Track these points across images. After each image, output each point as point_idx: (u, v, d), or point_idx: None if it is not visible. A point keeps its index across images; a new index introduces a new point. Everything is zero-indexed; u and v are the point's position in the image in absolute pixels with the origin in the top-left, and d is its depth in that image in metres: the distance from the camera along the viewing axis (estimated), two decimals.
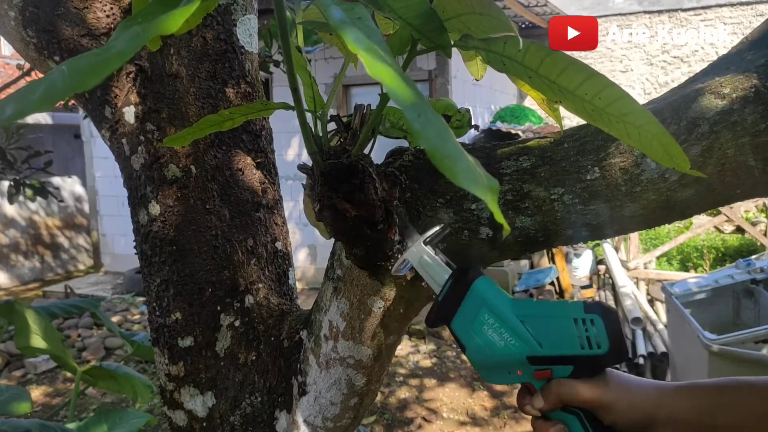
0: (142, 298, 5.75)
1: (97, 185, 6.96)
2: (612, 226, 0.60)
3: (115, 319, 5.31)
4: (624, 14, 7.77)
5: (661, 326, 4.19)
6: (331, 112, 0.65)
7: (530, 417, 0.60)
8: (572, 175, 0.59)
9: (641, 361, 3.83)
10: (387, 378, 3.85)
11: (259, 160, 0.93)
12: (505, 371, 0.58)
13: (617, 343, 0.55)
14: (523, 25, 7.02)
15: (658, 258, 5.76)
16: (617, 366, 0.58)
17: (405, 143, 0.69)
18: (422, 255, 0.58)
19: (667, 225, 0.86)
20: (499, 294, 0.58)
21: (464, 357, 4.19)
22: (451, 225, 0.62)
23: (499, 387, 3.73)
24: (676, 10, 7.58)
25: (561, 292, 5.60)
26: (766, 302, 3.39)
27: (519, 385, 0.61)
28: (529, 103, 7.37)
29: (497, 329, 0.56)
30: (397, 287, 0.65)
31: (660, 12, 7.66)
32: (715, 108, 0.55)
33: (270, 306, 0.87)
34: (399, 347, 0.72)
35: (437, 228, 0.59)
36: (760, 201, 5.95)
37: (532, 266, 5.80)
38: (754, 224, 5.69)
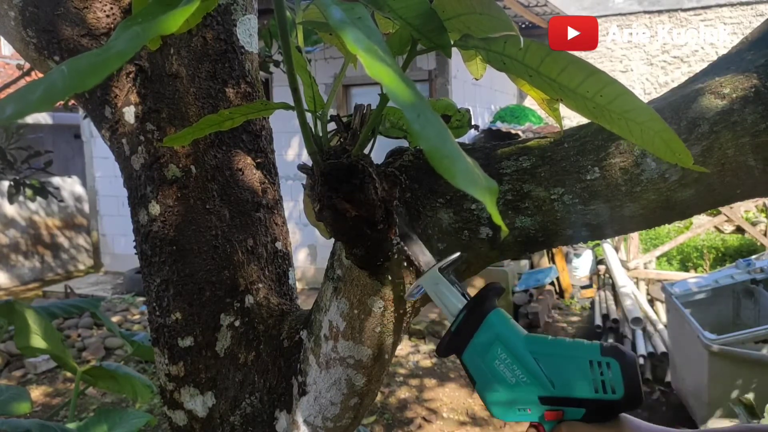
0: (142, 298, 5.75)
1: (97, 185, 6.96)
2: (612, 226, 0.60)
3: (115, 319, 5.31)
4: (624, 14, 7.77)
5: (661, 326, 4.19)
6: (331, 112, 0.65)
7: None
8: (572, 175, 0.59)
9: (641, 361, 3.83)
10: (387, 378, 3.85)
11: (259, 160, 0.93)
12: (514, 408, 0.56)
13: (633, 390, 0.53)
14: (523, 25, 7.01)
15: (658, 258, 5.76)
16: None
17: (405, 143, 0.69)
18: (437, 283, 0.58)
19: (667, 225, 0.86)
20: (514, 329, 0.57)
21: None
22: (451, 225, 0.62)
23: None
24: (676, 10, 7.58)
25: (561, 292, 5.60)
26: (766, 302, 3.39)
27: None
28: (529, 103, 7.37)
29: (509, 365, 0.55)
30: (397, 287, 0.65)
31: (660, 12, 7.66)
32: (715, 108, 0.55)
33: (270, 306, 0.87)
34: (399, 347, 0.72)
35: (454, 256, 0.59)
36: (760, 201, 5.95)
37: (532, 266, 5.80)
38: (754, 224, 5.69)
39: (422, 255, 0.59)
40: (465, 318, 0.57)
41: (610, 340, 4.18)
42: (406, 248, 0.60)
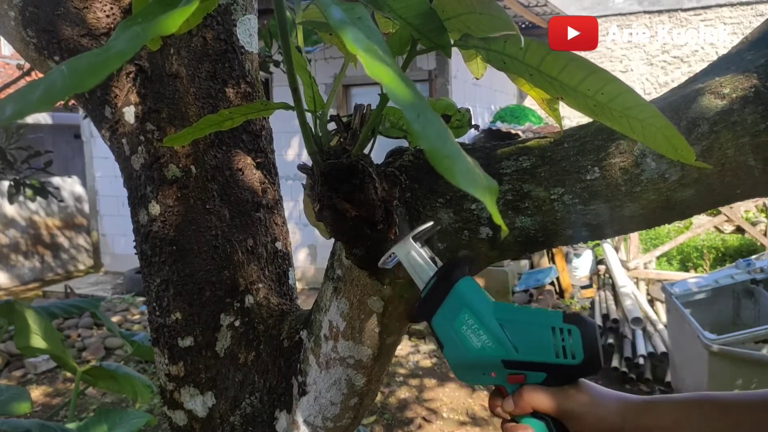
0: (142, 298, 5.75)
1: (97, 185, 6.96)
2: (612, 226, 0.60)
3: (115, 319, 5.31)
4: (624, 14, 7.77)
5: (661, 326, 4.19)
6: (331, 112, 0.65)
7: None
8: (572, 175, 0.59)
9: (641, 361, 3.83)
10: (387, 378, 3.85)
11: (259, 160, 0.93)
12: (479, 372, 0.59)
13: (592, 356, 0.56)
14: (523, 25, 7.01)
15: (658, 258, 5.76)
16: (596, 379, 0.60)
17: (405, 143, 0.69)
18: (410, 251, 0.59)
19: (667, 225, 0.86)
20: (481, 296, 0.58)
21: None
22: (451, 225, 0.62)
23: None
24: (676, 10, 7.58)
25: (561, 292, 5.60)
26: (766, 302, 3.39)
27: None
28: (529, 103, 7.37)
29: (476, 330, 0.57)
30: (397, 287, 0.65)
31: (660, 12, 7.66)
32: (715, 108, 0.55)
33: (270, 306, 0.87)
34: (399, 347, 0.73)
35: (427, 225, 0.60)
36: (760, 201, 5.95)
37: (532, 266, 5.80)
38: (754, 224, 5.69)
39: (400, 226, 0.60)
40: (435, 285, 0.58)
41: (610, 341, 4.20)
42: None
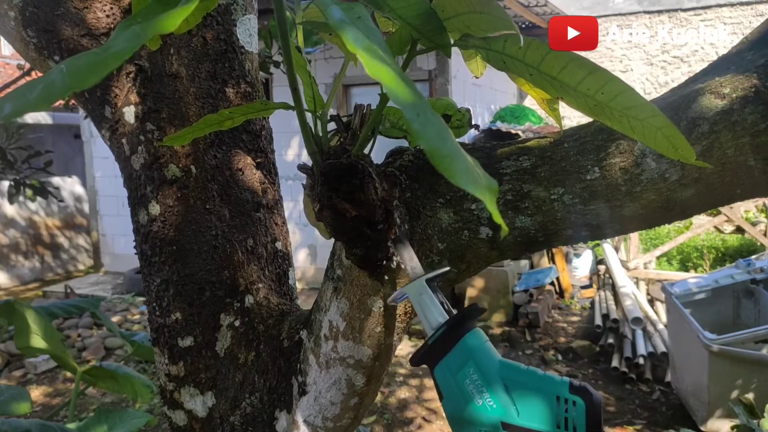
0: (142, 298, 5.75)
1: (97, 185, 6.96)
2: (612, 226, 0.60)
3: (115, 319, 5.31)
4: (624, 14, 7.77)
5: (661, 326, 4.19)
6: (331, 112, 0.65)
7: None
8: (572, 175, 0.59)
9: (641, 361, 3.83)
10: (387, 378, 3.85)
11: (259, 160, 0.93)
12: (477, 429, 0.57)
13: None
14: (523, 25, 7.01)
15: (658, 258, 5.76)
16: None
17: (405, 143, 0.69)
18: (422, 293, 0.58)
19: (667, 225, 0.86)
20: (489, 352, 0.57)
21: None
22: (451, 225, 0.62)
23: None
24: (676, 10, 7.58)
25: (561, 292, 5.60)
26: (766, 302, 3.39)
27: None
28: (529, 103, 7.37)
29: (479, 387, 0.55)
30: (398, 287, 0.65)
31: (660, 12, 7.66)
32: (715, 108, 0.55)
33: (270, 306, 0.87)
34: (399, 347, 0.72)
35: (443, 270, 0.59)
36: (760, 201, 5.94)
37: (532, 266, 5.79)
38: (754, 224, 5.69)
39: (410, 261, 0.60)
40: (444, 333, 0.57)
41: (610, 341, 4.20)
42: (395, 253, 0.60)
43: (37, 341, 1.42)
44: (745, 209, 6.04)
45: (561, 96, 0.48)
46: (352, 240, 0.61)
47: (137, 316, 5.42)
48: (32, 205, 7.30)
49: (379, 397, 3.58)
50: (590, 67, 0.45)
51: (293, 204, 5.79)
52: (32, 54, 0.91)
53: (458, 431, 0.58)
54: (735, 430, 1.55)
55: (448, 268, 0.60)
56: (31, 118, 7.53)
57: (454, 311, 0.59)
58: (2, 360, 4.34)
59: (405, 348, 4.35)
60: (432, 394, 3.71)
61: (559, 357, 4.28)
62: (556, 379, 0.56)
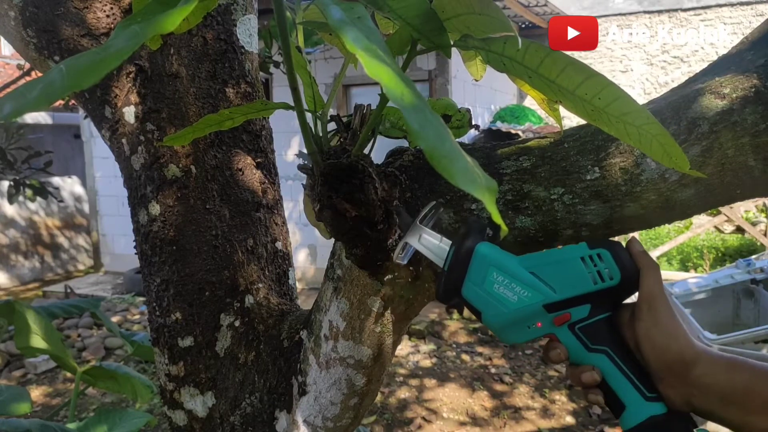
0: (142, 298, 5.75)
1: (97, 185, 6.96)
2: (612, 226, 0.60)
3: (115, 319, 5.31)
4: (624, 14, 7.77)
5: None
6: (331, 112, 0.65)
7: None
8: (572, 175, 0.59)
9: None
10: (387, 378, 3.85)
11: (259, 160, 0.93)
12: (524, 326, 0.57)
13: (629, 271, 0.55)
14: (523, 25, 7.02)
15: (658, 258, 5.76)
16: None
17: (405, 143, 0.69)
18: (421, 234, 0.59)
19: (667, 225, 0.86)
20: (503, 253, 0.58)
21: (464, 357, 4.19)
22: (451, 225, 0.62)
23: (498, 387, 3.73)
24: (676, 10, 7.58)
25: None
26: (766, 302, 3.39)
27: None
28: (529, 103, 7.37)
29: (508, 285, 0.56)
30: (397, 287, 0.65)
31: (660, 12, 7.65)
32: (715, 108, 0.55)
33: (270, 306, 0.87)
34: (399, 347, 0.72)
35: (430, 205, 0.60)
36: (760, 201, 5.94)
37: None
38: (754, 224, 5.69)
39: (405, 220, 0.60)
40: (455, 255, 0.57)
41: None
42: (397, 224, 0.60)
43: (37, 341, 1.42)
44: (745, 209, 6.04)
45: (559, 99, 0.48)
46: (352, 240, 0.61)
47: (137, 316, 5.42)
48: (32, 205, 7.30)
49: (379, 397, 3.58)
50: (588, 72, 0.45)
51: (293, 204, 5.79)
52: (32, 54, 0.91)
53: (508, 337, 0.58)
54: None
55: (434, 202, 0.60)
56: (31, 118, 7.53)
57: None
58: (2, 360, 4.34)
59: (405, 348, 4.35)
60: (432, 394, 3.71)
61: None
62: (573, 246, 0.57)
